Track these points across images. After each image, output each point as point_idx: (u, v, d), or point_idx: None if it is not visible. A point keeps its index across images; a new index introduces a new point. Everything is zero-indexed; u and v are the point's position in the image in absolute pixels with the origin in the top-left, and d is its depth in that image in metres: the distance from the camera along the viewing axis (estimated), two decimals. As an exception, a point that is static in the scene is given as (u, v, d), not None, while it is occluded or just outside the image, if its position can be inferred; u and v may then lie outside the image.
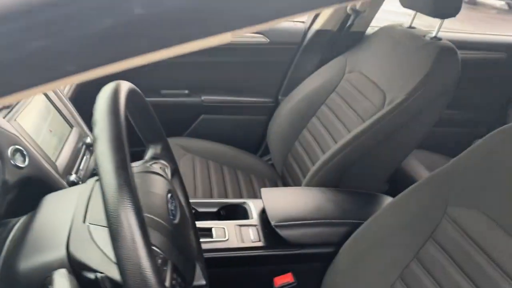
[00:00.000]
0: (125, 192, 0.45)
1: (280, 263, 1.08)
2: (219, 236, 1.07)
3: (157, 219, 0.57)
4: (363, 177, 1.33)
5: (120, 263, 0.44)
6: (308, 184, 1.32)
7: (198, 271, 0.77)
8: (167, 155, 0.77)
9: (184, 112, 1.88)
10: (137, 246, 0.44)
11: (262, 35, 1.79)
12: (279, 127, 1.70)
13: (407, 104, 1.22)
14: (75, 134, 1.05)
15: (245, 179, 1.61)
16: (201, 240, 1.05)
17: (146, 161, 0.73)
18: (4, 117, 0.82)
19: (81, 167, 1.00)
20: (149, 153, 0.76)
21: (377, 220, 1.02)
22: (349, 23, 1.70)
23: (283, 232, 1.06)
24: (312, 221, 1.08)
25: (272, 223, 1.06)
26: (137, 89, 0.64)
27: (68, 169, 0.93)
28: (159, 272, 0.46)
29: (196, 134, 1.87)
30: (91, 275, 0.52)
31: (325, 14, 1.73)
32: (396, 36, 1.47)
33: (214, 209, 1.20)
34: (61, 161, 0.92)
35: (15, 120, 0.84)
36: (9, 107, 0.85)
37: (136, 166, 0.69)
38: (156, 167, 0.70)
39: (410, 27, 1.50)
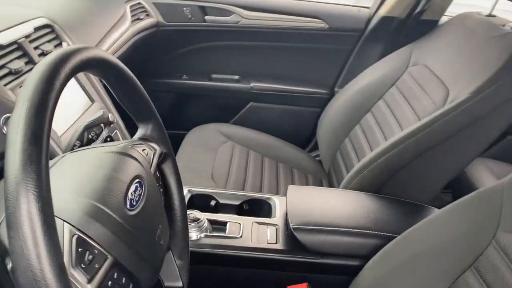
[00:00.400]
0: (30, 171, 0.37)
1: (295, 271, 0.96)
2: (232, 232, 0.98)
3: (103, 207, 0.49)
4: (411, 185, 1.15)
5: (13, 257, 0.36)
6: (345, 186, 1.18)
7: (175, 270, 0.69)
8: (158, 137, 0.69)
9: (232, 98, 1.81)
10: (37, 238, 0.36)
11: (320, 20, 1.65)
12: (330, 121, 1.56)
13: (470, 104, 1.03)
14: (94, 110, 1.01)
15: (286, 174, 1.49)
16: (213, 234, 0.97)
17: (132, 141, 0.65)
18: (6, 84, 0.79)
19: (92, 145, 0.95)
20: (138, 133, 0.69)
21: (413, 236, 0.86)
22: (418, 9, 1.51)
23: (302, 237, 0.94)
24: (337, 229, 0.95)
25: (291, 225, 0.94)
26: (114, 59, 0.56)
27: (73, 145, 0.89)
28: (64, 273, 0.37)
29: (243, 122, 1.79)
30: (8, 263, 0.45)
31: (393, -1, 1.55)
32: (470, 25, 1.25)
33: (237, 202, 1.11)
34: (68, 135, 0.88)
35: (20, 87, 0.81)
36: (16, 74, 0.82)
37: (113, 145, 0.62)
38: (136, 149, 0.63)
39: (490, 15, 1.27)
